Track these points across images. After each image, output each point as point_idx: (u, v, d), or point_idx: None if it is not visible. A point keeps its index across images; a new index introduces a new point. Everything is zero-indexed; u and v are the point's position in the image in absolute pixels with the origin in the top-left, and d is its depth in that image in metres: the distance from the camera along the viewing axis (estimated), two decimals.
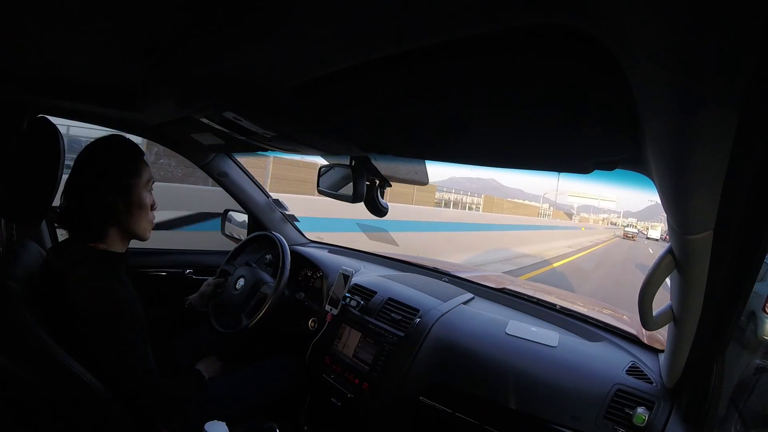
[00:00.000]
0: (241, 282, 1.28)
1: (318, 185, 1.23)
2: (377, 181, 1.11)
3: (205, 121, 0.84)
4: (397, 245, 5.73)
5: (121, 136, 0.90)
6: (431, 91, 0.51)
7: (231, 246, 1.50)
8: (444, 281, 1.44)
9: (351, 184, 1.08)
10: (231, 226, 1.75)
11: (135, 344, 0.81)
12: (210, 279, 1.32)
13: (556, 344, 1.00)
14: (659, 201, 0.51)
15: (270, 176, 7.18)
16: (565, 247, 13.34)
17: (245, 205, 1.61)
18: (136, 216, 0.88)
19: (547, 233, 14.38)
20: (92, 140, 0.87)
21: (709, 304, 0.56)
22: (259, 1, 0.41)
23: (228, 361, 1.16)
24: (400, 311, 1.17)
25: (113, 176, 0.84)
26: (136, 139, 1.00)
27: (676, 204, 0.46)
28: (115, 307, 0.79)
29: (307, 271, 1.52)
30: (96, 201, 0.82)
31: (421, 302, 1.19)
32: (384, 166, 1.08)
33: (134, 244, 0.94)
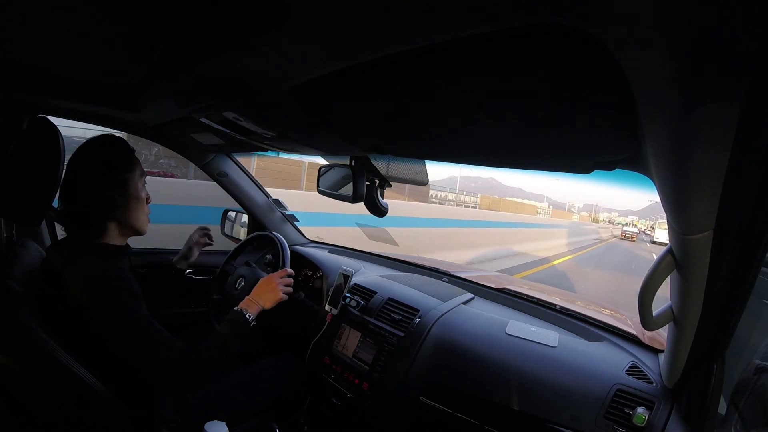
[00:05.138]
0: (241, 282, 1.28)
1: (318, 185, 1.23)
2: (377, 181, 1.11)
3: (205, 121, 0.84)
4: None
5: (111, 134, 0.92)
6: (431, 91, 0.51)
7: (231, 246, 1.50)
8: (444, 281, 1.44)
9: (351, 184, 1.08)
10: (231, 226, 1.75)
11: (145, 319, 0.81)
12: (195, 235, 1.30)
13: (556, 344, 1.00)
14: (659, 201, 0.51)
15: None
16: None
17: (245, 205, 1.61)
18: (134, 209, 0.89)
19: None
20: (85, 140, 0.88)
21: (709, 304, 0.56)
22: (259, 1, 0.41)
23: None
24: (400, 311, 1.17)
25: (110, 172, 0.85)
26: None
27: (676, 204, 0.46)
28: (117, 289, 0.80)
29: (307, 271, 1.52)
30: (94, 197, 0.83)
31: (421, 302, 1.19)
32: (384, 166, 1.08)
33: (134, 244, 0.94)
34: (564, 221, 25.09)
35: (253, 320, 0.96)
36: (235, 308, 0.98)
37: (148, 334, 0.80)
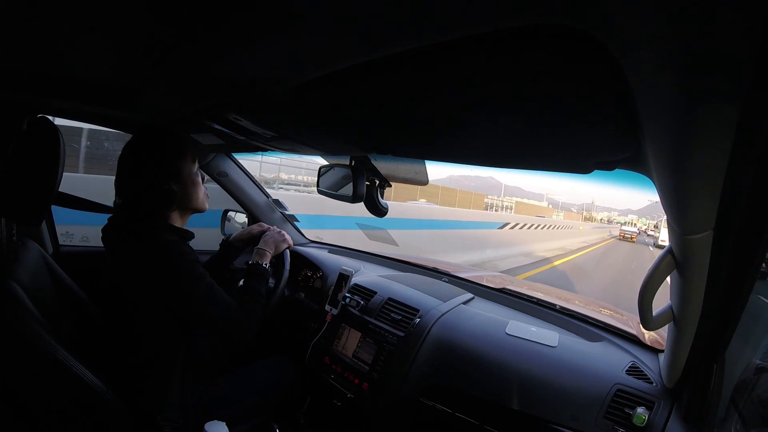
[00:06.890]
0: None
1: (318, 185, 1.23)
2: (377, 181, 1.11)
3: (205, 121, 0.85)
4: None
5: (156, 129, 0.94)
6: (431, 91, 0.51)
7: None
8: (444, 281, 1.44)
9: (351, 184, 1.08)
10: (231, 226, 1.75)
11: (209, 280, 0.87)
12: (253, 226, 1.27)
13: (556, 344, 1.00)
14: (659, 201, 0.51)
15: None
16: None
17: (245, 205, 1.61)
18: (192, 193, 0.93)
19: None
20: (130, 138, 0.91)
21: (709, 304, 0.56)
22: (259, 1, 0.41)
23: (228, 361, 1.16)
24: (400, 311, 1.17)
25: (161, 165, 0.88)
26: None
27: (676, 204, 0.46)
28: (184, 254, 0.85)
29: (307, 271, 1.52)
30: (151, 191, 0.86)
31: (421, 302, 1.19)
32: (384, 166, 1.08)
33: None
34: (531, 218, 14.70)
35: (269, 267, 1.06)
36: (250, 262, 1.05)
37: (215, 293, 0.86)
